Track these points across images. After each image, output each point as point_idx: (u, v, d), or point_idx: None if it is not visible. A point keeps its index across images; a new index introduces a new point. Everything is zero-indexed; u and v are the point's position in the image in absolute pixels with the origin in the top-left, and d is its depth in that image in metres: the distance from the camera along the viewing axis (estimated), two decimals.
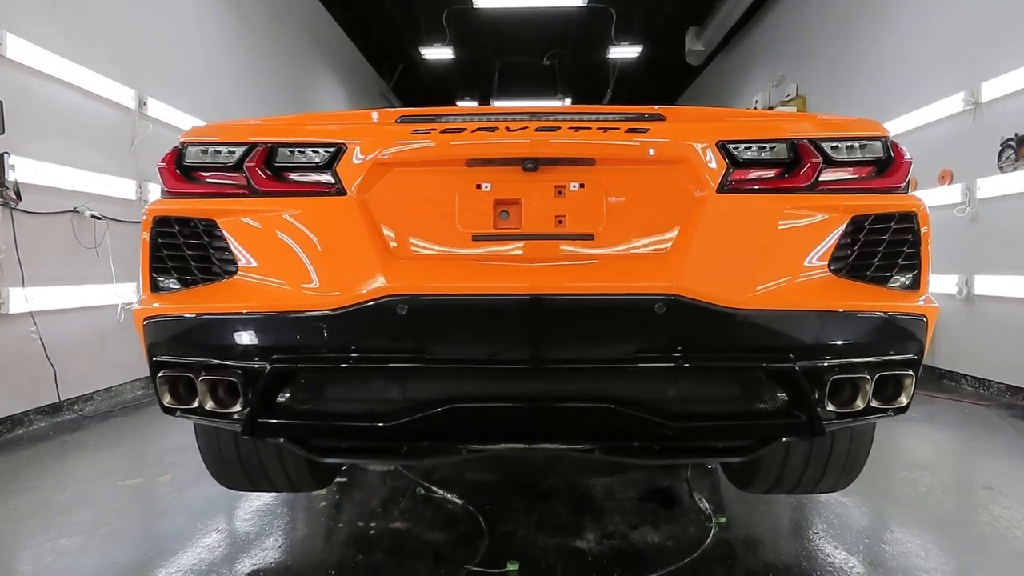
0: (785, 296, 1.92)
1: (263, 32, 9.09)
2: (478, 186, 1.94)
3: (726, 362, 1.91)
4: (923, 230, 2.09)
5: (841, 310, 1.97)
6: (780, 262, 1.95)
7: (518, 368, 1.85)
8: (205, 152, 2.08)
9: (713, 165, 1.94)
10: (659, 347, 1.86)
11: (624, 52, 13.22)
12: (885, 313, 2.02)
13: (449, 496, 3.19)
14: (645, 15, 12.19)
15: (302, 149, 2.01)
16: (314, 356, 1.90)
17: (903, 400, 2.08)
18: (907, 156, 2.15)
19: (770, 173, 2.03)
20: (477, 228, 1.93)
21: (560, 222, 1.93)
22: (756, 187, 1.99)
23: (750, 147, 2.00)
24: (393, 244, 1.93)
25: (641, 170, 1.96)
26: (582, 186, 1.94)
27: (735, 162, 1.96)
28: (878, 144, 2.13)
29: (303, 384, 2.00)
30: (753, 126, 2.05)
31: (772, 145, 2.02)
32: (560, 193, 1.94)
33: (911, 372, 2.06)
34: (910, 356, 2.09)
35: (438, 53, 13.25)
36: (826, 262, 1.99)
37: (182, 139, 2.13)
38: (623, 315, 1.87)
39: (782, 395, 2.00)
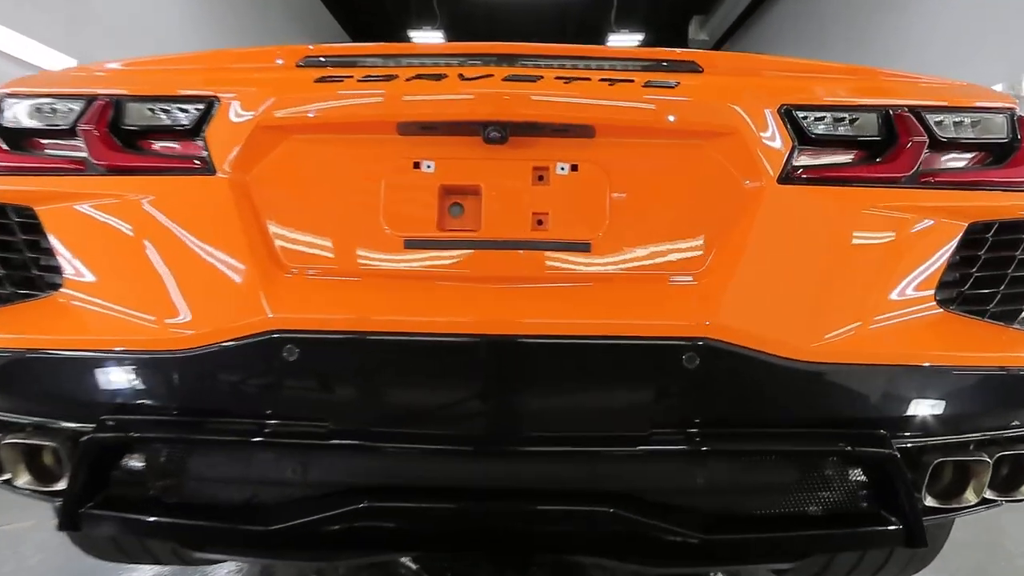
0: (875, 343, 1.27)
1: (247, 14, 8.43)
2: (416, 165, 1.27)
3: (786, 443, 1.25)
4: None
5: (955, 364, 1.32)
6: (868, 291, 1.29)
7: (471, 450, 1.20)
8: (30, 109, 1.41)
9: (775, 142, 1.28)
10: (686, 418, 1.21)
11: (623, 40, 12.56)
12: (1016, 366, 1.38)
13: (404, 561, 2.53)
14: (648, 2, 11.55)
15: (157, 105, 1.34)
16: (155, 418, 1.24)
17: None
18: None
19: (852, 157, 1.38)
20: (413, 229, 1.26)
21: (540, 223, 1.27)
22: (835, 177, 1.33)
23: (829, 116, 1.34)
24: (283, 251, 1.26)
25: (664, 146, 1.30)
26: (575, 168, 1.27)
27: (806, 138, 1.30)
28: (1001, 119, 1.48)
29: (149, 457, 1.33)
30: (832, 85, 1.39)
31: (857, 115, 1.36)
32: (541, 179, 1.27)
33: None
34: None
35: (428, 37, 12.58)
36: (932, 291, 1.34)
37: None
38: (633, 369, 1.22)
39: (865, 489, 1.35)
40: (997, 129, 1.48)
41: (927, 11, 6.93)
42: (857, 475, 1.34)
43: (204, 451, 1.30)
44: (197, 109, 1.31)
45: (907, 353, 1.29)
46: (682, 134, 1.28)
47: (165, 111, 1.35)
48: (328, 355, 1.19)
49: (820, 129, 1.34)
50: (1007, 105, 1.50)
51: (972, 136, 1.47)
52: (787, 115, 1.31)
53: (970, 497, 1.39)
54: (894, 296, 1.31)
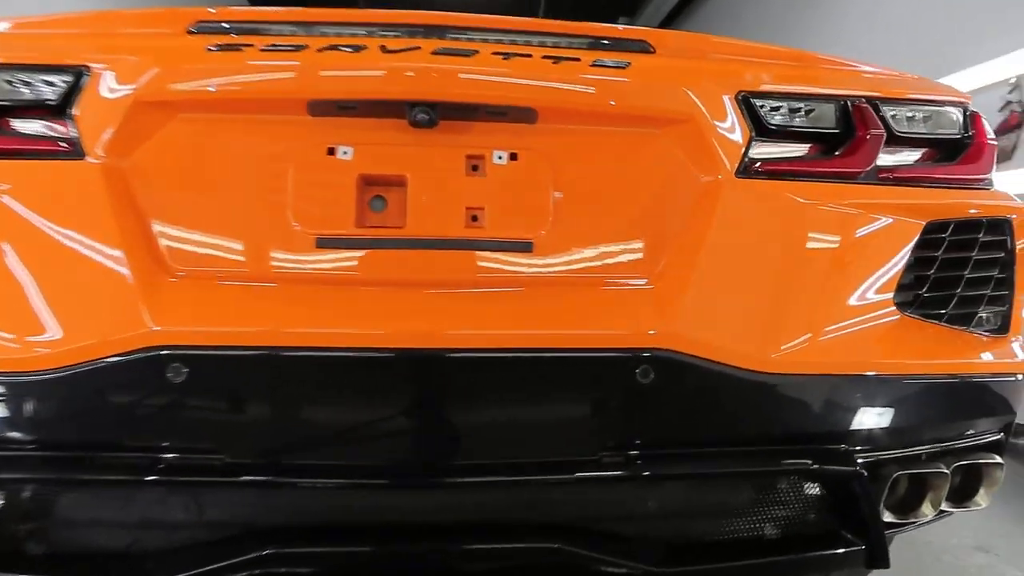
0: (840, 351, 1.17)
1: None
2: (330, 151, 1.09)
3: (750, 463, 1.14)
4: (1019, 244, 1.39)
5: (919, 373, 1.24)
6: (831, 295, 1.19)
7: (394, 483, 1.03)
8: None
9: (733, 133, 1.17)
10: (641, 439, 1.09)
11: None
12: (974, 373, 1.31)
13: None
14: (575, 1, 11.51)
15: (16, 75, 1.11)
16: (15, 453, 1.03)
17: (983, 500, 1.39)
18: (991, 135, 1.44)
19: (809, 150, 1.28)
20: (327, 226, 1.08)
21: (475, 219, 1.11)
22: (793, 172, 1.23)
23: (787, 106, 1.24)
24: (169, 252, 1.06)
25: (614, 134, 1.16)
26: (514, 157, 1.12)
27: (764, 129, 1.19)
28: (956, 114, 1.42)
29: (9, 498, 1.11)
30: (788, 72, 1.29)
31: (815, 105, 1.27)
32: (476, 168, 1.12)
33: (999, 459, 1.37)
34: (998, 436, 1.40)
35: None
36: (891, 294, 1.26)
37: None
38: (580, 385, 1.08)
39: (827, 509, 1.25)
40: (951, 124, 1.42)
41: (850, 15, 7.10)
42: (818, 494, 1.24)
43: (75, 491, 1.09)
44: (64, 81, 1.09)
45: (871, 362, 1.20)
46: (634, 120, 1.15)
47: (26, 83, 1.12)
48: (223, 374, 1.00)
49: (778, 119, 1.23)
50: (962, 99, 1.43)
51: (928, 131, 1.40)
52: (745, 103, 1.20)
53: (927, 510, 1.32)
54: (857, 300, 1.22)
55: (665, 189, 1.17)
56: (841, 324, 1.19)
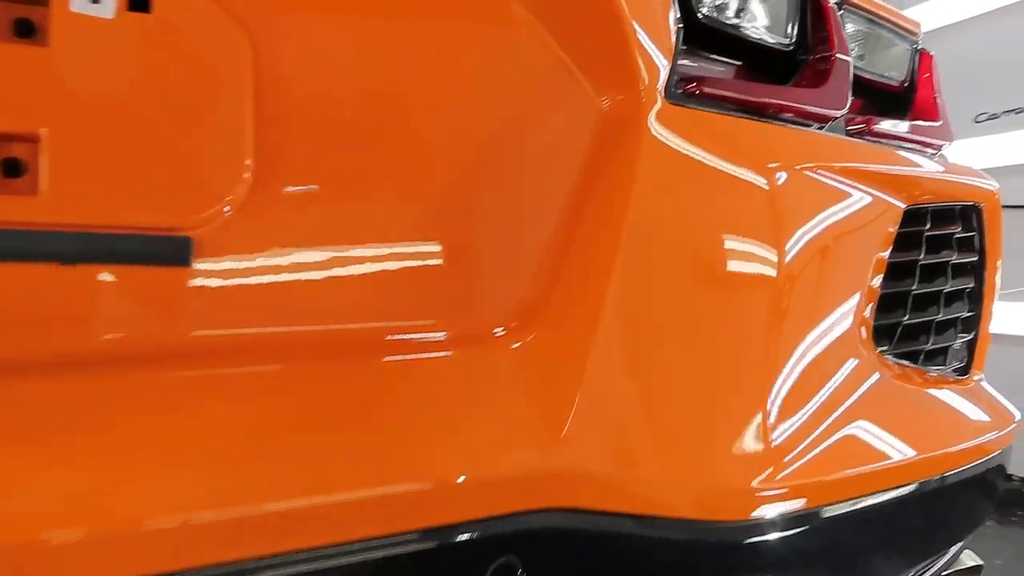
0: (845, 454, 0.62)
1: None
2: None
3: None
4: (988, 242, 0.96)
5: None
6: (823, 341, 0.64)
7: None
8: None
9: (655, 17, 0.55)
10: None
11: None
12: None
13: None
14: None
15: None
16: None
17: None
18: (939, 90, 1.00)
19: (748, 73, 0.72)
20: None
21: (16, 169, 0.38)
22: (742, 105, 0.65)
23: None
24: None
25: None
26: (140, 4, 0.40)
27: (698, 25, 0.61)
28: (906, 49, 0.95)
29: None
30: None
31: None
32: (26, 31, 0.39)
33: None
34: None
35: None
36: (862, 329, 0.74)
37: None
38: None
39: None
40: (900, 64, 0.95)
41: None
42: None
43: None
44: None
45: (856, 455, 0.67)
46: None
47: None
48: None
49: (721, 13, 0.65)
50: (912, 27, 0.97)
51: (887, 68, 0.92)
52: None
53: None
54: (842, 346, 0.69)
55: (525, 125, 0.52)
56: (834, 393, 0.64)
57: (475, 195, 0.50)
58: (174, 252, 0.40)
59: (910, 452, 0.67)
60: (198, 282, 0.40)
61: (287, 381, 0.41)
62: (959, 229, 0.90)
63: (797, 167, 0.65)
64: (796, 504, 0.53)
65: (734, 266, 0.58)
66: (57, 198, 0.38)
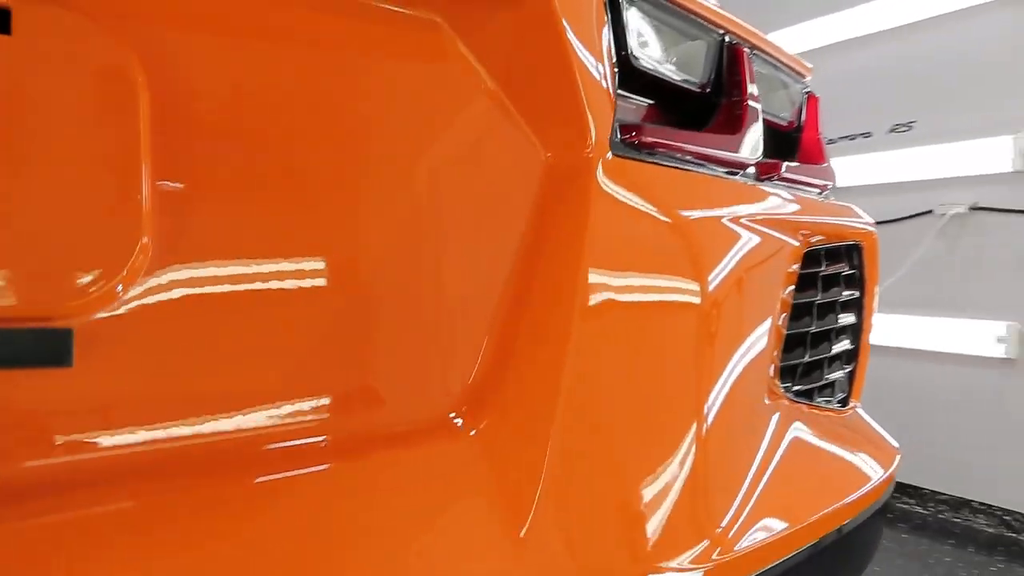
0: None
1: None
2: None
3: None
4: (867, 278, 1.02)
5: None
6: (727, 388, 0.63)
7: None
8: None
9: (599, 63, 0.52)
10: None
11: None
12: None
13: None
14: None
15: None
16: None
17: None
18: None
19: (675, 119, 0.71)
20: None
21: None
22: (678, 154, 0.63)
23: (660, 24, 0.64)
24: None
25: (342, 22, 0.42)
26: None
27: (631, 67, 0.58)
28: (801, 91, 0.99)
29: None
30: None
31: (693, 30, 0.69)
32: None
33: None
34: None
35: None
36: (772, 364, 0.75)
37: None
38: None
39: None
40: (792, 105, 0.99)
41: None
42: None
43: None
44: None
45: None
46: None
47: None
48: None
49: (651, 50, 0.63)
50: (804, 70, 1.01)
51: (786, 109, 0.94)
52: (613, 6, 0.56)
53: None
54: (751, 395, 0.68)
55: (465, 183, 0.47)
56: (763, 455, 0.63)
57: (416, 262, 0.44)
58: (51, 349, 0.31)
59: (817, 509, 0.68)
60: (82, 386, 0.32)
61: (220, 491, 0.34)
62: (846, 267, 0.94)
63: (727, 218, 0.64)
64: None
65: (676, 324, 0.55)
66: None
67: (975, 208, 2.52)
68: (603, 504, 0.44)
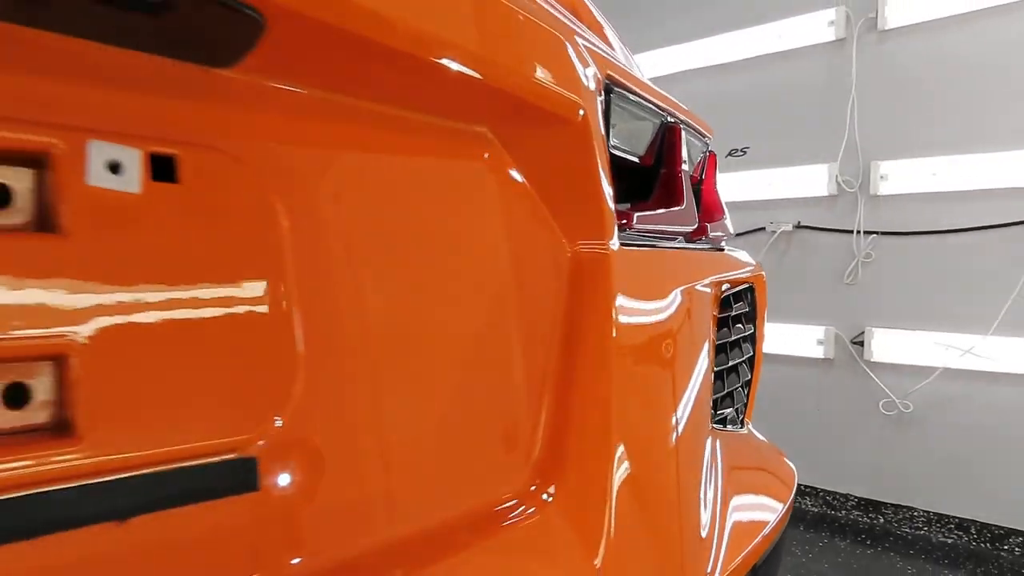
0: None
1: None
2: None
3: None
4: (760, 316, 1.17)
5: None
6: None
7: None
8: None
9: (605, 160, 0.59)
10: None
11: None
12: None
13: None
14: None
15: None
16: None
17: None
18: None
19: (626, 204, 0.79)
20: None
21: (20, 399, 0.29)
22: (660, 236, 0.71)
23: (629, 111, 0.72)
24: None
25: (413, 138, 0.46)
26: (163, 169, 0.33)
27: (612, 155, 0.66)
28: (700, 151, 1.11)
29: None
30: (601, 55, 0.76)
31: (646, 115, 0.78)
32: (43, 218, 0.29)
33: None
34: None
35: None
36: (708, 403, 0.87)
37: None
38: None
39: None
40: (696, 164, 1.11)
41: None
42: None
43: None
44: None
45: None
46: (478, 101, 0.47)
47: None
48: None
49: (622, 137, 0.71)
50: (709, 132, 1.13)
51: (696, 171, 1.06)
52: (607, 99, 0.63)
53: None
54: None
55: (506, 272, 0.52)
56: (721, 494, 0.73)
57: (486, 355, 0.48)
58: (236, 478, 0.33)
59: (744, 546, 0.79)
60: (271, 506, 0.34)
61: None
62: (745, 307, 1.08)
63: (684, 281, 0.74)
64: None
65: (668, 372, 0.64)
66: (96, 438, 0.29)
67: (798, 226, 2.86)
68: (655, 530, 0.51)
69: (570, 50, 0.50)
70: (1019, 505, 2.34)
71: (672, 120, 0.82)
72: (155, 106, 0.31)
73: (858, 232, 2.68)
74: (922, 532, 2.53)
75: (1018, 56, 2.29)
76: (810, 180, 2.83)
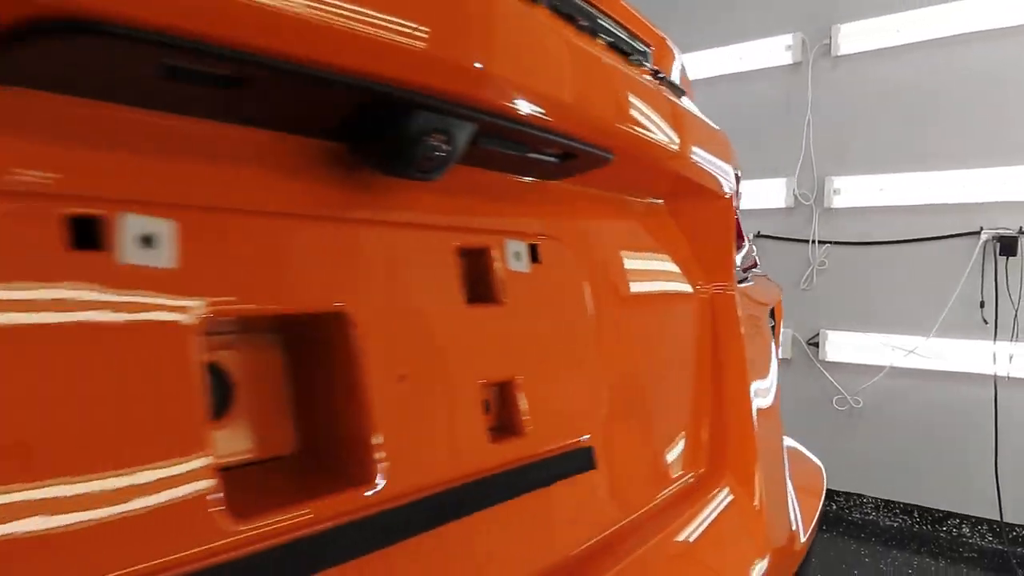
0: None
1: None
2: None
3: None
4: None
5: None
6: None
7: None
8: None
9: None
10: None
11: None
12: None
13: None
14: None
15: None
16: None
17: None
18: None
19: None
20: None
21: (499, 428, 0.41)
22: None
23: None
24: None
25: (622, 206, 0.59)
26: (533, 255, 0.45)
27: None
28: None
29: None
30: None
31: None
32: (481, 288, 0.41)
33: None
34: None
35: None
36: None
37: None
38: None
39: None
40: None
41: None
42: None
43: None
44: None
45: None
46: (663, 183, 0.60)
47: None
48: None
49: None
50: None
51: None
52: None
53: None
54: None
55: (674, 313, 0.65)
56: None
57: (672, 384, 0.61)
58: (582, 462, 0.45)
59: None
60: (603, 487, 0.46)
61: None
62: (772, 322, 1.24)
63: (762, 308, 0.88)
64: None
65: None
66: (537, 436, 0.41)
67: (758, 235, 3.07)
68: (777, 497, 0.66)
69: (726, 143, 0.63)
70: (955, 490, 2.61)
71: (737, 171, 0.96)
72: (529, 212, 0.42)
73: (813, 242, 2.89)
74: (871, 517, 2.78)
75: (956, 84, 2.55)
76: (769, 193, 3.03)
